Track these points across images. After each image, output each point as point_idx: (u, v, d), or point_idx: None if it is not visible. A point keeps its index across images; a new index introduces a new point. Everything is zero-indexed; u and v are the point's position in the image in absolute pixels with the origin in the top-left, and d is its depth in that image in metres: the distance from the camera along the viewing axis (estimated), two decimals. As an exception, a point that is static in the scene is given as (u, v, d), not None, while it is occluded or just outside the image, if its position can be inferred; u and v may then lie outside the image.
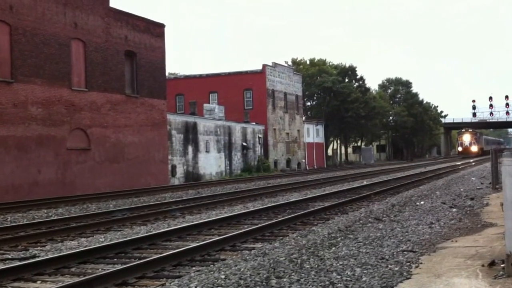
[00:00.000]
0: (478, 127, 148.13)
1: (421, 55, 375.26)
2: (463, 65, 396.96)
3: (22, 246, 16.15)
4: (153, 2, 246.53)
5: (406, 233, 15.40)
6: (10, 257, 14.39)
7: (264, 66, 77.80)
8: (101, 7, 43.11)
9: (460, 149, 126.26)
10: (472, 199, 24.29)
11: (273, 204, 24.78)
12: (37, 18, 37.25)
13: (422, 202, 23.79)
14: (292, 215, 20.10)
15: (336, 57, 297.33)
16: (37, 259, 13.35)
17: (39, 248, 15.80)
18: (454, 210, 20.64)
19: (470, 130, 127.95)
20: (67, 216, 23.35)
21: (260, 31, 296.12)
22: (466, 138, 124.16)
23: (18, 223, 21.58)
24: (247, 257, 12.70)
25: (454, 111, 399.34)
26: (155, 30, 49.97)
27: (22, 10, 36.28)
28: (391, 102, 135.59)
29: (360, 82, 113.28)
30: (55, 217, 23.53)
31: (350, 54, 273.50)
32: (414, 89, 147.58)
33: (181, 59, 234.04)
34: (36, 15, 37.19)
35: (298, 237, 15.38)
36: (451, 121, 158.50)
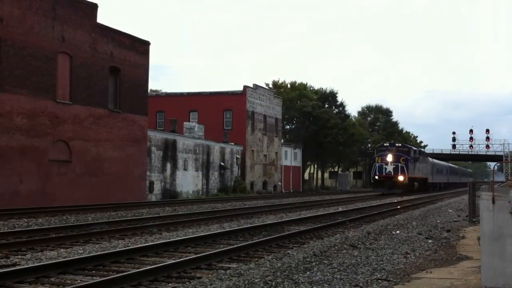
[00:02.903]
0: (457, 159, 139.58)
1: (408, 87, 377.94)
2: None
3: (3, 254, 16.25)
4: (139, 20, 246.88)
5: (381, 262, 15.47)
6: (-9, 264, 14.53)
7: (245, 87, 78.12)
8: (89, 22, 43.34)
9: (376, 177, 75.38)
10: (448, 231, 24.35)
11: (249, 226, 24.92)
12: (25, 31, 37.41)
13: (398, 232, 23.77)
14: (268, 238, 20.22)
15: (317, 80, 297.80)
16: (18, 267, 13.49)
17: (19, 256, 15.92)
18: (430, 241, 20.67)
19: (399, 144, 79.81)
20: (47, 227, 23.43)
21: (242, 50, 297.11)
22: (389, 158, 74.45)
23: (-1, 231, 21.69)
24: (223, 277, 12.88)
25: (435, 141, 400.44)
26: (140, 47, 50.20)
27: (12, 22, 36.43)
28: (370, 129, 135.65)
29: (340, 109, 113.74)
30: (35, 227, 23.60)
31: (331, 75, 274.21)
32: (394, 117, 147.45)
33: (162, 76, 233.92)
34: (25, 28, 37.35)
35: (273, 259, 15.52)
36: (431, 151, 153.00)
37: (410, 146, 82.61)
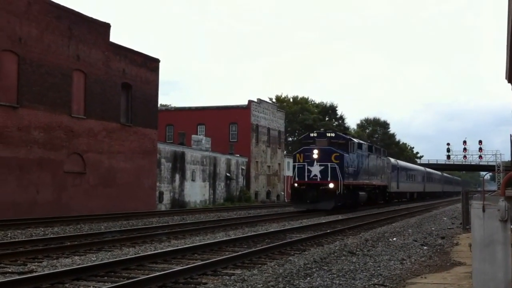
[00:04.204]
0: (451, 168, 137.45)
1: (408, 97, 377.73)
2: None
3: (21, 261, 16.27)
4: (150, 37, 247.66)
5: (378, 268, 15.47)
6: (10, 270, 14.54)
7: (250, 102, 78.22)
8: (102, 41, 43.51)
9: (296, 184, 46.71)
10: (443, 238, 24.31)
11: (253, 233, 24.89)
12: (43, 49, 37.55)
13: (394, 239, 23.75)
14: (271, 245, 20.22)
15: (316, 92, 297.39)
16: (34, 274, 13.50)
17: (36, 263, 15.93)
18: (425, 247, 20.64)
19: (331, 134, 50.12)
20: (62, 235, 23.43)
21: (248, 68, 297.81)
22: (315, 155, 46.19)
23: (17, 239, 21.70)
24: (227, 282, 12.89)
25: (431, 152, 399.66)
26: (151, 64, 50.35)
27: (30, 42, 36.58)
28: (369, 141, 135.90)
29: (340, 121, 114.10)
30: (51, 235, 23.62)
31: (330, 89, 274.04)
32: (392, 129, 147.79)
33: (173, 91, 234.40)
34: (42, 47, 37.50)
35: (276, 265, 15.52)
36: (426, 162, 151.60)
37: (349, 137, 50.67)
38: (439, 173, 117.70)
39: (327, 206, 44.27)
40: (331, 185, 44.83)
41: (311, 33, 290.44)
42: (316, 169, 45.60)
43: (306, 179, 45.76)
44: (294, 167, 46.98)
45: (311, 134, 50.18)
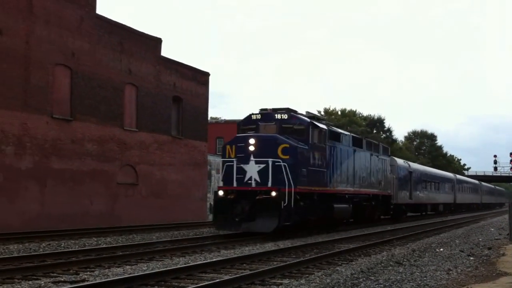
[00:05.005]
0: (498, 180, 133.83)
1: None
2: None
3: (73, 270, 16.48)
4: (200, 51, 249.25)
5: (425, 278, 15.33)
6: (62, 279, 14.72)
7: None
8: (153, 55, 43.97)
9: (220, 192, 28.54)
10: (489, 248, 23.96)
11: (301, 243, 24.84)
12: (95, 63, 38.09)
13: (441, 249, 23.51)
14: (319, 255, 20.21)
15: (365, 107, 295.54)
16: (86, 283, 13.65)
17: (88, 273, 16.12)
18: (471, 258, 20.40)
19: (282, 116, 30.28)
20: (114, 245, 23.67)
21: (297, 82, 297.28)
22: (251, 147, 28.19)
23: (70, 249, 21.98)
24: (275, 292, 12.90)
25: (479, 164, 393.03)
26: (201, 78, 50.69)
27: (83, 56, 37.13)
28: (417, 153, 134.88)
29: (387, 133, 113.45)
30: (104, 245, 23.88)
31: (378, 102, 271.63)
32: (439, 141, 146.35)
33: (223, 104, 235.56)
34: (94, 61, 38.03)
35: (323, 275, 15.47)
36: (474, 173, 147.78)
37: (310, 121, 31.51)
38: (476, 181, 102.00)
39: (265, 227, 27.41)
40: (274, 194, 27.49)
41: (320, 30, 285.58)
42: (252, 169, 28.37)
43: (234, 184, 28.63)
44: (222, 165, 29.53)
45: (253, 116, 31.13)
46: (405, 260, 19.46)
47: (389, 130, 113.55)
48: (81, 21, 37.22)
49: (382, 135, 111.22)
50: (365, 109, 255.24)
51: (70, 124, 36.24)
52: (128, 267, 17.40)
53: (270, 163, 28.07)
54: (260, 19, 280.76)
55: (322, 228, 33.11)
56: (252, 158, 28.41)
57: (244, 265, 18.12)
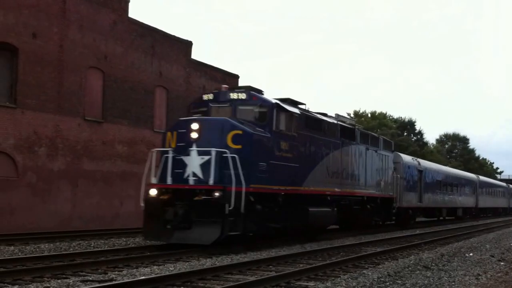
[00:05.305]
0: None
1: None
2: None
3: (102, 270, 16.62)
4: (228, 53, 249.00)
5: (453, 283, 15.20)
6: (90, 279, 14.86)
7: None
8: (184, 58, 44.14)
9: (153, 191, 22.42)
10: (521, 253, 23.79)
11: (328, 246, 24.80)
12: (127, 66, 38.37)
13: (471, 254, 23.23)
14: (345, 258, 20.15)
15: (396, 109, 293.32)
16: (114, 282, 13.78)
17: (116, 272, 16.25)
18: (502, 263, 20.18)
19: (240, 95, 23.97)
20: (143, 245, 23.80)
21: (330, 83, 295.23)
22: (194, 134, 21.78)
23: (100, 249, 22.15)
24: (301, 294, 12.89)
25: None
26: (230, 80, 50.67)
27: (115, 59, 37.43)
28: (448, 157, 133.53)
29: (418, 136, 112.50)
30: (133, 245, 24.08)
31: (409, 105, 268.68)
32: (471, 145, 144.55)
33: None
34: (126, 64, 38.32)
35: (349, 278, 15.42)
36: (507, 177, 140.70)
37: (275, 102, 24.11)
38: (503, 184, 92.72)
39: (203, 238, 21.27)
40: (216, 194, 21.07)
41: (315, 34, 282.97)
42: (193, 162, 21.89)
43: (168, 181, 22.38)
44: (160, 157, 23.41)
45: (205, 96, 25.89)
46: (433, 264, 19.28)
47: (420, 133, 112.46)
48: (114, 24, 37.52)
49: (413, 138, 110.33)
50: (396, 112, 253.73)
51: (101, 126, 36.54)
52: (155, 267, 17.48)
53: (214, 154, 21.26)
54: (253, 23, 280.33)
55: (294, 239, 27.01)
56: (194, 147, 21.84)
57: (270, 267, 18.12)
